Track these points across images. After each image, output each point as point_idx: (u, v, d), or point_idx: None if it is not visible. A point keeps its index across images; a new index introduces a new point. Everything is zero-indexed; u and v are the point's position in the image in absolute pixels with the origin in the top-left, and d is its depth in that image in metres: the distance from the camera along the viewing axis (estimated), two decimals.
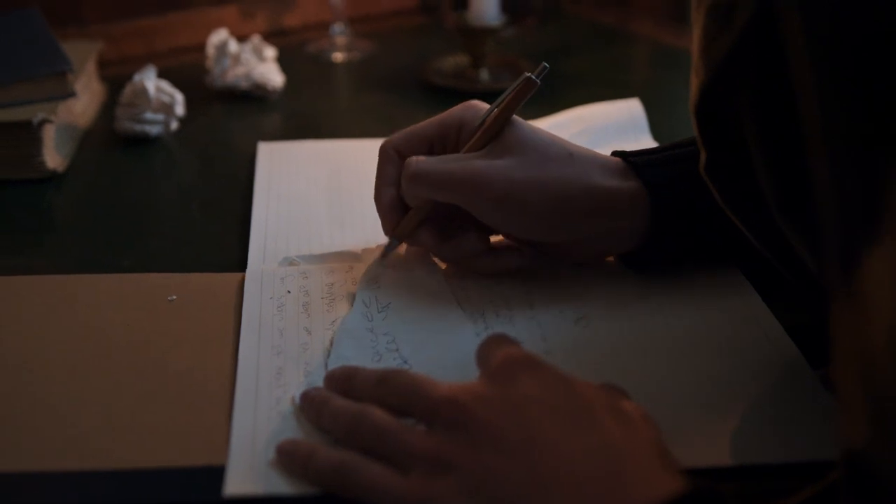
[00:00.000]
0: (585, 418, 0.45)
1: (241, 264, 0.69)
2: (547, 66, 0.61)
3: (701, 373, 0.56)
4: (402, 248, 0.67)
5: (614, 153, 0.63)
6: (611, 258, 0.66)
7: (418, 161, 0.61)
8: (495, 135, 0.61)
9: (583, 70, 1.13)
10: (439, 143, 0.64)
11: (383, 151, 0.64)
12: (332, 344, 0.59)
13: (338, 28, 1.17)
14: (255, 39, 1.03)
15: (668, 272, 0.64)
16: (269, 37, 1.11)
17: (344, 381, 0.53)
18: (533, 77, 0.61)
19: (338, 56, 1.15)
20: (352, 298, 0.63)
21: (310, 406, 0.52)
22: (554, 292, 0.64)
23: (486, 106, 0.63)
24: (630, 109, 0.91)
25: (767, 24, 0.42)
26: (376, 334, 0.60)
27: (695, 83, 0.49)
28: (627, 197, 0.60)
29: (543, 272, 0.65)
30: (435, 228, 0.63)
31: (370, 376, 0.51)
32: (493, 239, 0.65)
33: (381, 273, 0.65)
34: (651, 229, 0.61)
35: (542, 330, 0.60)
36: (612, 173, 0.61)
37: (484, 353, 0.50)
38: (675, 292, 0.63)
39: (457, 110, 0.64)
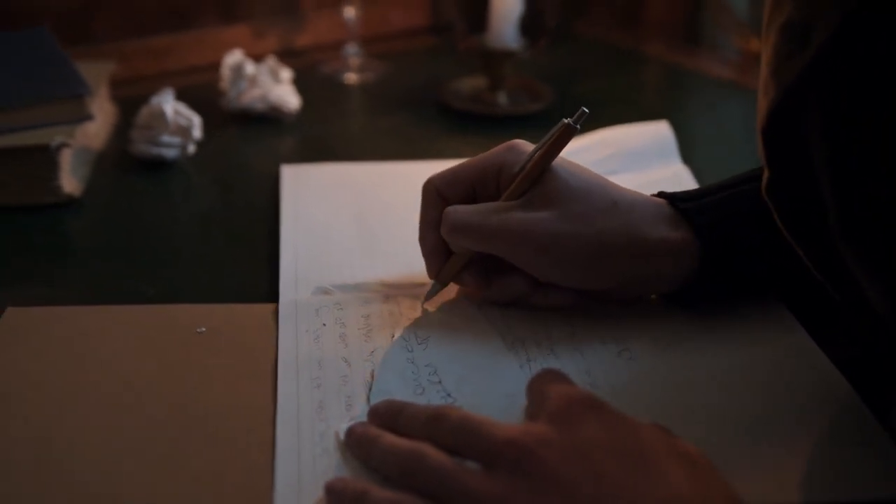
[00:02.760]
0: (653, 464, 0.43)
1: (268, 292, 0.67)
2: (586, 111, 0.60)
3: (747, 409, 0.55)
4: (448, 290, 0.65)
5: (660, 194, 0.62)
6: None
7: (456, 212, 0.60)
8: (535, 181, 0.60)
9: (597, 92, 1.12)
10: (481, 185, 0.63)
11: (426, 192, 0.63)
12: (372, 376, 0.57)
13: (351, 49, 1.16)
14: (271, 61, 1.02)
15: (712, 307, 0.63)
16: (282, 57, 1.09)
17: (390, 417, 0.52)
18: (571, 123, 0.60)
19: (351, 77, 1.14)
20: (389, 329, 0.62)
21: (358, 443, 0.51)
22: (596, 323, 0.62)
23: (528, 147, 0.62)
24: (658, 133, 0.89)
25: (847, 44, 0.41)
26: (418, 366, 0.58)
27: (763, 102, 0.47)
28: (676, 244, 0.59)
29: (584, 302, 0.64)
30: (479, 271, 0.62)
31: (420, 413, 0.50)
32: None
33: (424, 317, 0.64)
34: (699, 273, 0.59)
35: (585, 362, 0.59)
36: (659, 220, 0.59)
37: (538, 391, 0.49)
38: (718, 326, 0.62)
39: (498, 151, 0.62)
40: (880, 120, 0.40)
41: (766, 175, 0.50)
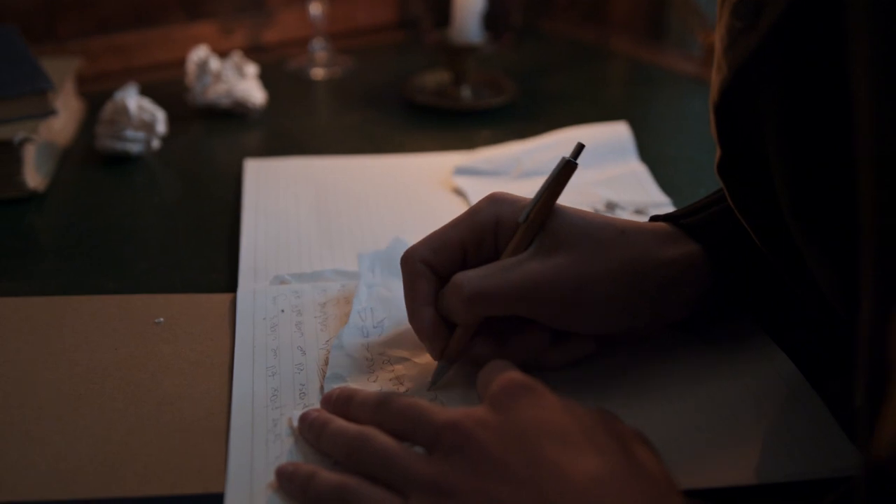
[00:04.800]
0: (588, 443, 0.44)
1: (228, 284, 0.68)
2: (583, 144, 0.56)
3: (698, 395, 0.56)
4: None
5: (654, 217, 0.60)
6: None
7: (470, 280, 0.54)
8: (540, 228, 0.56)
9: (563, 88, 1.13)
10: (473, 247, 0.57)
11: (410, 266, 0.57)
12: (327, 363, 0.58)
13: (317, 44, 1.16)
14: (236, 56, 1.03)
15: None
16: (249, 53, 1.10)
17: (342, 404, 0.53)
18: (571, 160, 0.56)
19: (318, 72, 1.15)
20: (344, 318, 0.63)
21: (309, 428, 0.52)
22: None
23: (514, 196, 0.58)
24: (617, 133, 0.91)
25: (796, 23, 0.42)
26: (372, 353, 0.59)
27: (716, 80, 0.48)
28: (688, 261, 0.56)
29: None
30: (489, 336, 0.56)
31: (369, 399, 0.51)
32: None
33: (379, 297, 0.64)
34: (714, 290, 0.57)
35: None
36: (666, 241, 0.57)
37: (484, 378, 0.50)
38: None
39: (486, 208, 0.58)
40: (829, 96, 0.41)
41: (717, 154, 0.50)
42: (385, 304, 0.63)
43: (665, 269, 0.55)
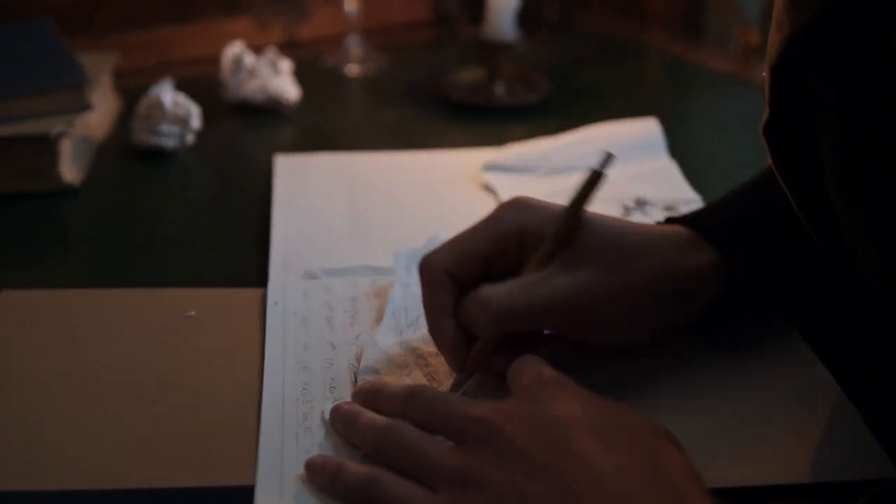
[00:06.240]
0: (617, 438, 0.44)
1: (258, 279, 0.68)
2: (613, 154, 0.55)
3: (730, 398, 0.56)
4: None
5: (669, 220, 0.60)
6: None
7: (497, 296, 0.53)
8: (568, 241, 0.54)
9: (596, 84, 1.13)
10: (496, 256, 0.56)
11: (430, 276, 0.56)
12: (358, 359, 0.59)
13: (352, 41, 1.17)
14: (271, 52, 1.03)
15: None
16: (284, 49, 1.10)
17: (372, 397, 0.53)
18: (600, 171, 0.55)
19: (353, 69, 1.15)
20: (374, 313, 0.63)
21: (340, 420, 0.52)
22: None
23: (537, 203, 0.57)
24: (647, 129, 0.90)
25: None
26: (405, 349, 0.59)
27: (776, 39, 0.46)
28: (706, 270, 0.56)
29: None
30: (510, 350, 0.54)
31: (399, 391, 0.51)
32: None
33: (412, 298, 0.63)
34: (729, 294, 0.57)
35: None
36: (683, 249, 0.56)
37: (514, 373, 0.50)
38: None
39: (508, 216, 0.56)
40: (888, 58, 0.40)
41: (766, 114, 0.49)
42: (420, 303, 0.63)
43: (683, 278, 0.56)
